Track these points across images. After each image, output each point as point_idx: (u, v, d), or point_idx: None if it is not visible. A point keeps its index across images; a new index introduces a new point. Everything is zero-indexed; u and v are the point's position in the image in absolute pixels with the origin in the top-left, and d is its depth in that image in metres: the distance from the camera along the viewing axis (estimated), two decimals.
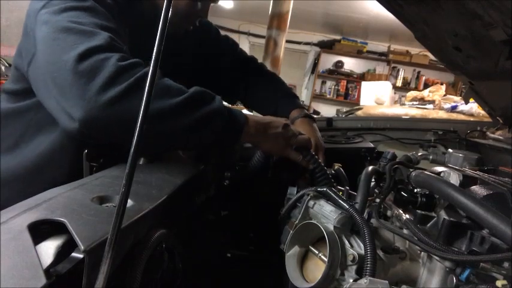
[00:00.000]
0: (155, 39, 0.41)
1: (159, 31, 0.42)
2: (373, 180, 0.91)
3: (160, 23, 0.42)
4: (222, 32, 1.50)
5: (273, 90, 1.47)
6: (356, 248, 0.70)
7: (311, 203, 0.83)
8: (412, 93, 4.23)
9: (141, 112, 0.42)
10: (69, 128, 0.76)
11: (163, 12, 0.42)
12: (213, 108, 0.88)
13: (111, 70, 0.75)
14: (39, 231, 0.44)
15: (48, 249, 0.42)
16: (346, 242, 0.71)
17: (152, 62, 0.43)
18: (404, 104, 4.28)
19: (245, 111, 1.41)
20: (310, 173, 1.08)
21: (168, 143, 0.89)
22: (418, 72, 8.46)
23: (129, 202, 0.58)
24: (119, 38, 0.89)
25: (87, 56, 0.76)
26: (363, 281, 0.56)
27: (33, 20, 0.88)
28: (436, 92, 3.92)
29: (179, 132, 0.84)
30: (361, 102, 5.19)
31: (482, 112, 3.11)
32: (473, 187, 0.75)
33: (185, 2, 1.10)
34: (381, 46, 8.59)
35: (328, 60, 8.74)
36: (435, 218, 0.76)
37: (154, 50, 0.43)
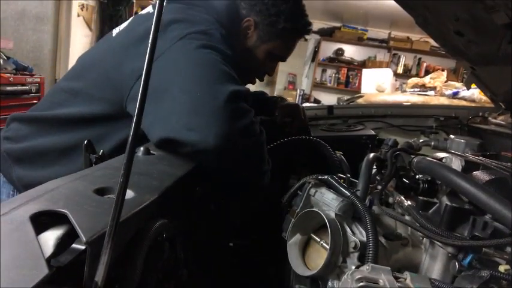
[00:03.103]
0: None
1: (150, 37, 0.42)
2: (374, 167, 0.91)
3: (152, 28, 0.42)
4: None
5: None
6: (358, 235, 0.70)
7: (312, 191, 0.83)
8: (413, 80, 4.21)
9: (138, 103, 0.42)
10: (200, 143, 0.86)
11: (154, 17, 0.42)
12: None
13: (250, 120, 0.93)
14: (39, 222, 0.44)
15: (48, 240, 0.42)
16: (348, 229, 0.71)
17: (144, 69, 0.43)
18: (405, 91, 4.26)
19: None
20: None
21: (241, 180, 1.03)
22: (419, 59, 8.41)
23: (130, 194, 0.58)
24: None
25: (236, 98, 0.90)
26: (365, 267, 0.56)
27: (165, 44, 0.96)
28: (438, 79, 3.90)
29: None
30: (362, 90, 5.16)
31: (484, 98, 3.10)
32: (476, 172, 0.75)
33: (262, 59, 1.27)
34: (382, 33, 8.51)
35: (329, 48, 8.68)
36: (437, 204, 0.75)
37: (149, 46, 0.43)
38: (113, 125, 1.05)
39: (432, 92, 3.70)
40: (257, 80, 1.44)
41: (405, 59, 8.45)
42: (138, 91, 0.99)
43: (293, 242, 0.79)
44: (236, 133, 0.89)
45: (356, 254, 0.67)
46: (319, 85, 8.77)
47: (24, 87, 3.75)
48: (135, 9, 5.57)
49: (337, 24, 8.53)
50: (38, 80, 3.94)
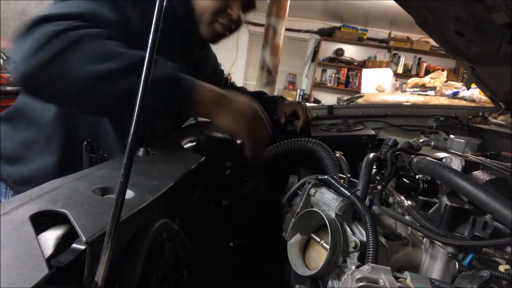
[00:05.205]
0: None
1: (152, 26, 0.41)
2: (374, 167, 0.91)
3: (153, 27, 0.41)
4: None
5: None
6: (358, 235, 0.70)
7: (312, 191, 0.83)
8: (413, 80, 4.21)
9: (138, 103, 0.41)
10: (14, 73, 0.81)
11: (155, 17, 0.41)
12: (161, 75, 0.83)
13: (43, 35, 0.82)
14: (39, 222, 0.44)
15: (48, 240, 0.42)
16: (348, 229, 0.71)
17: (147, 58, 0.41)
18: (405, 91, 4.26)
19: None
20: None
21: (101, 108, 0.86)
22: (419, 59, 8.41)
23: (131, 194, 0.58)
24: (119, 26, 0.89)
25: (40, 22, 0.84)
26: (365, 267, 0.56)
27: None
28: (438, 79, 3.90)
29: (114, 98, 0.81)
30: (362, 90, 5.17)
31: (484, 98, 3.10)
32: (476, 172, 0.75)
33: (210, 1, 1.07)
34: (382, 33, 8.51)
35: (329, 48, 8.68)
36: (437, 204, 0.75)
37: (149, 45, 0.41)
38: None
39: (432, 92, 3.70)
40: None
41: (405, 59, 8.45)
42: None
43: (293, 242, 0.79)
44: (28, 56, 0.81)
45: (356, 254, 0.67)
46: (319, 85, 8.77)
47: None
48: None
49: (337, 24, 8.53)
50: None
